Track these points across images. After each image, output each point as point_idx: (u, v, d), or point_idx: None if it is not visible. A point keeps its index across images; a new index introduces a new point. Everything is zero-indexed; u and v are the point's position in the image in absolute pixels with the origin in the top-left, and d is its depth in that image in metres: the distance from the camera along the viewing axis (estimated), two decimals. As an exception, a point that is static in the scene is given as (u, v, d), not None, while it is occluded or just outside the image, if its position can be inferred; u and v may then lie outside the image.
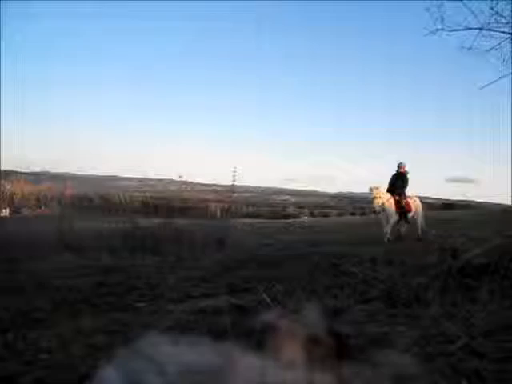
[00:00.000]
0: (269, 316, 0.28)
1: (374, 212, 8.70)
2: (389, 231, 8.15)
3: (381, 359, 0.26)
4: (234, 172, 7.85)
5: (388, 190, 8.63)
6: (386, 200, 8.26)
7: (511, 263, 3.43)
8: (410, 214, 8.59)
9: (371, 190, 8.30)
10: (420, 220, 8.78)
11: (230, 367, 0.23)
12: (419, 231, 8.56)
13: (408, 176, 8.96)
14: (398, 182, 8.76)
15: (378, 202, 8.17)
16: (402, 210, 8.46)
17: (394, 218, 8.28)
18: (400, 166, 8.86)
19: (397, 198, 8.50)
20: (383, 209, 8.21)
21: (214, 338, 0.27)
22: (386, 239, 7.91)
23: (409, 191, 9.03)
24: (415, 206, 8.75)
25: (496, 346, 2.18)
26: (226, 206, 8.44)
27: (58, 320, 2.95)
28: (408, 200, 8.64)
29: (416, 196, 9.20)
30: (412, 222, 8.73)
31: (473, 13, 4.87)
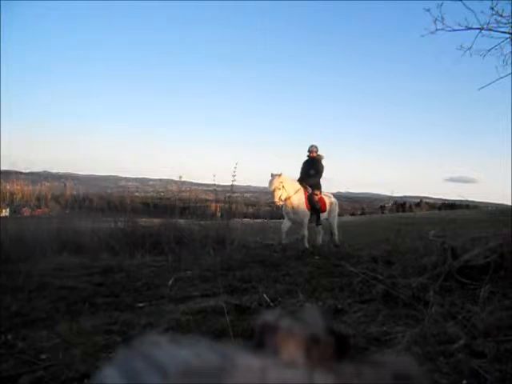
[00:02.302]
0: (269, 316, 0.28)
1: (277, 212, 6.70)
2: (306, 234, 6.35)
3: (381, 359, 0.26)
4: (234, 172, 7.72)
5: (299, 181, 6.62)
6: (294, 192, 6.25)
7: (511, 263, 3.43)
8: (324, 215, 6.67)
9: (273, 177, 6.15)
10: (335, 224, 6.92)
11: (229, 367, 0.23)
12: (335, 237, 6.79)
13: (323, 163, 6.92)
14: (311, 170, 6.73)
15: (279, 195, 6.02)
16: (315, 208, 6.44)
17: (307, 216, 6.37)
18: (311, 149, 6.85)
19: (309, 190, 6.47)
20: (291, 206, 6.20)
21: (214, 338, 0.26)
22: (306, 245, 6.25)
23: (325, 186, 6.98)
24: (330, 204, 6.81)
25: (496, 346, 2.18)
26: (226, 205, 8.40)
27: (57, 320, 2.96)
28: (322, 196, 6.68)
29: (330, 193, 7.40)
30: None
31: (473, 13, 4.85)
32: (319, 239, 6.76)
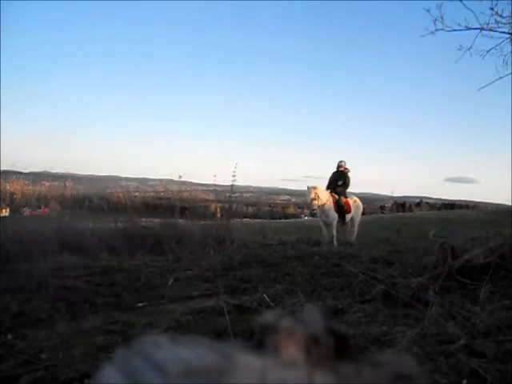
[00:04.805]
0: (269, 316, 0.28)
1: (312, 215, 8.08)
2: (335, 234, 7.57)
3: (381, 359, 0.26)
4: (234, 172, 7.72)
5: (327, 189, 8.05)
6: (326, 200, 7.64)
7: (511, 263, 3.43)
8: (349, 216, 7.93)
9: (309, 189, 7.59)
10: (357, 224, 8.09)
11: (229, 367, 0.23)
12: (353, 236, 7.89)
13: (350, 175, 8.38)
14: (339, 181, 8.18)
15: (316, 203, 7.49)
16: (341, 210, 7.82)
17: (336, 218, 7.72)
18: (340, 164, 8.33)
19: (336, 197, 7.89)
20: (323, 210, 7.61)
21: (214, 338, 0.26)
22: (335, 243, 7.37)
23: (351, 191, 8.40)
24: (355, 207, 8.12)
25: (496, 346, 2.18)
26: (226, 205, 8.39)
27: (57, 320, 2.96)
28: (348, 200, 8.03)
29: (357, 197, 8.53)
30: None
31: (473, 13, 4.85)
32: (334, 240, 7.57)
